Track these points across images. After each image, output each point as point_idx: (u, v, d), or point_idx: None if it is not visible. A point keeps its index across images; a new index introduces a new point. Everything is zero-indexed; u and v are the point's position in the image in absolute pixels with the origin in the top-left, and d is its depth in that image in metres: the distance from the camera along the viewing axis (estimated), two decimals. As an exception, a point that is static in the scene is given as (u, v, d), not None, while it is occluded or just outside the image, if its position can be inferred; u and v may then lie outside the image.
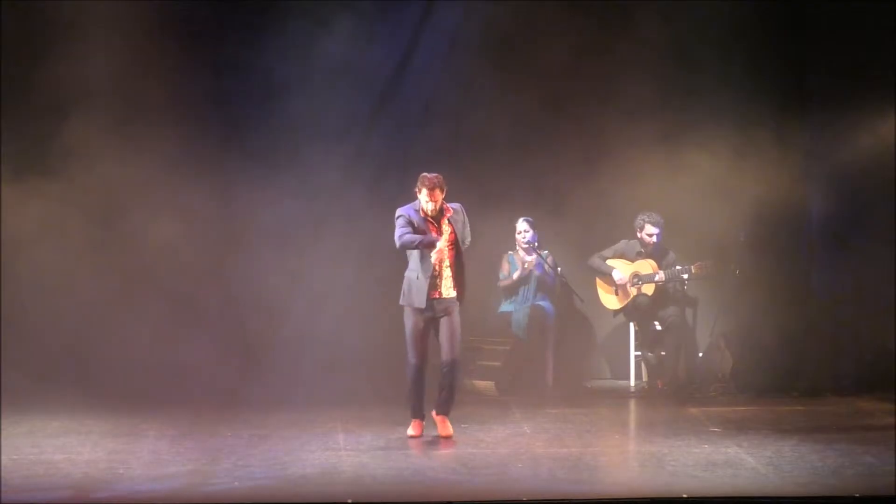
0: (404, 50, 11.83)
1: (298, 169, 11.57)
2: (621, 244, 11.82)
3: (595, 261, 11.80)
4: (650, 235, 11.64)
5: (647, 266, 11.70)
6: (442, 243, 9.15)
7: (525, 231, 11.70)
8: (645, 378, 11.84)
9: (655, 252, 11.70)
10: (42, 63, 11.21)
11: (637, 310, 11.72)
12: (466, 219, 9.33)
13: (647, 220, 11.65)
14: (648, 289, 11.67)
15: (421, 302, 9.17)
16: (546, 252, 11.62)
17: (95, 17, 11.19)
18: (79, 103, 11.21)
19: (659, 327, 11.70)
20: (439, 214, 9.23)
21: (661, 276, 11.59)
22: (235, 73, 11.65)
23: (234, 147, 11.57)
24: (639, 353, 11.83)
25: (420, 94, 11.90)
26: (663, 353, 11.67)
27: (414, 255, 9.22)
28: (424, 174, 9.20)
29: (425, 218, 9.20)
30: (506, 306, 11.83)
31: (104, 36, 11.22)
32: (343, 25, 11.62)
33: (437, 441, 9.09)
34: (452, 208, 9.26)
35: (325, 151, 11.62)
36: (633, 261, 11.77)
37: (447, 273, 9.22)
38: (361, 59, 11.72)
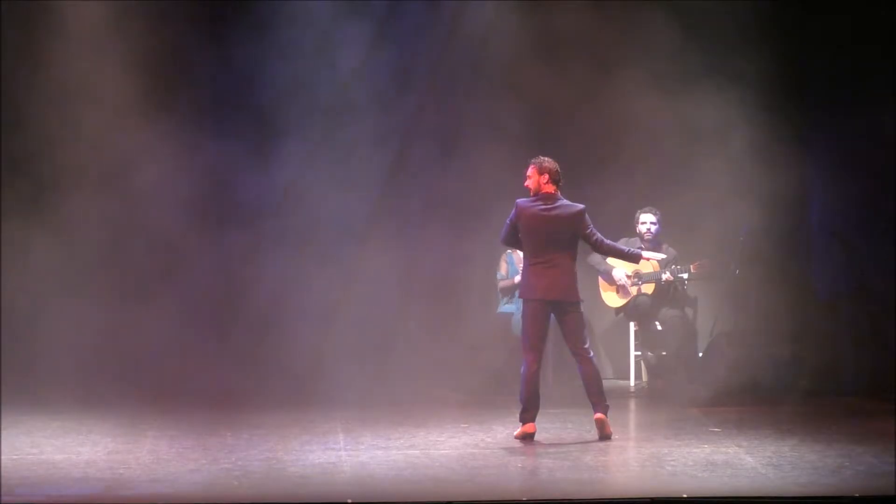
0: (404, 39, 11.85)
1: (298, 170, 11.57)
2: (621, 242, 11.72)
3: (594, 258, 11.76)
4: (644, 224, 11.57)
5: (647, 265, 11.69)
6: None
7: (525, 231, 11.68)
8: (645, 378, 11.84)
9: (654, 245, 11.66)
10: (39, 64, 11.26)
11: (637, 309, 11.71)
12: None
13: (642, 211, 11.64)
14: (649, 288, 11.67)
15: None
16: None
17: (95, 19, 11.23)
18: (79, 100, 11.25)
19: (659, 327, 11.70)
20: None
21: (662, 274, 11.57)
22: (240, 76, 11.69)
23: (237, 148, 11.58)
24: (639, 352, 11.82)
25: (418, 90, 11.90)
26: (663, 353, 11.67)
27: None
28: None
29: None
30: (506, 307, 11.81)
31: (101, 37, 11.25)
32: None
33: (436, 441, 9.08)
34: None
35: (325, 156, 11.65)
36: (633, 260, 11.77)
37: None
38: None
